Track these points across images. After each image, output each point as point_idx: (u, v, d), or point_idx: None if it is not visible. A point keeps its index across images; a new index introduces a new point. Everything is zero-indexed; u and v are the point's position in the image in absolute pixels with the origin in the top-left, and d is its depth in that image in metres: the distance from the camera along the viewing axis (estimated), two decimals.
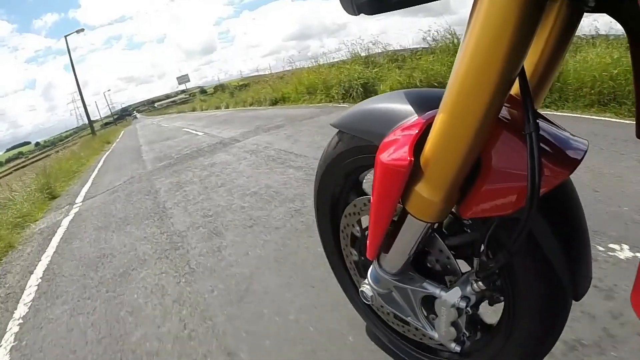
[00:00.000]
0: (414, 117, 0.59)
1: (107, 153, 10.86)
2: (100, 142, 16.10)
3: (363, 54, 8.08)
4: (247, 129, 6.24)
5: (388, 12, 0.55)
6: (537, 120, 0.45)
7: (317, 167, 0.92)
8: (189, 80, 79.70)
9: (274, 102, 10.19)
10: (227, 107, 15.82)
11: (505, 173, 0.49)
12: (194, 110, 24.28)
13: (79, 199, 4.60)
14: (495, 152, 0.49)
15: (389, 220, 0.61)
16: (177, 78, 78.86)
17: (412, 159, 0.52)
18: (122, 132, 23.98)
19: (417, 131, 0.55)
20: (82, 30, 28.82)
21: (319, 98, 7.84)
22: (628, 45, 0.42)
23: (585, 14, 0.52)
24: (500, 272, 0.62)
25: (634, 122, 0.44)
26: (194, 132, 8.66)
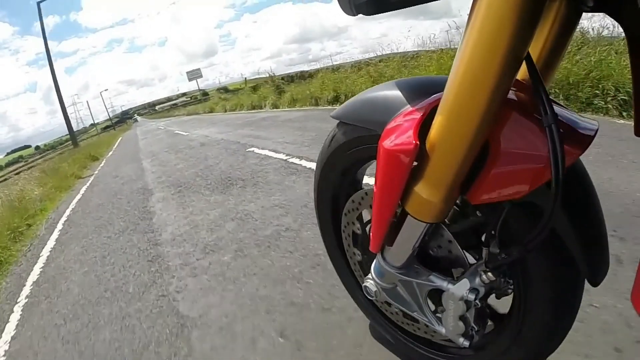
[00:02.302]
0: (417, 103, 0.57)
1: (82, 192, 5.34)
2: (82, 160, 10.04)
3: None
4: None
5: (387, 13, 0.53)
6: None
7: (317, 161, 0.90)
8: (201, 76, 71.37)
9: None
10: (274, 106, 10.36)
11: (515, 155, 0.47)
12: (212, 111, 18.33)
13: None
14: (504, 134, 0.47)
15: (394, 210, 0.59)
16: (187, 73, 71.14)
17: (418, 142, 0.50)
18: (120, 139, 19.12)
19: (422, 114, 0.53)
20: None
21: None
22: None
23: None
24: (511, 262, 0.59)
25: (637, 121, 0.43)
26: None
